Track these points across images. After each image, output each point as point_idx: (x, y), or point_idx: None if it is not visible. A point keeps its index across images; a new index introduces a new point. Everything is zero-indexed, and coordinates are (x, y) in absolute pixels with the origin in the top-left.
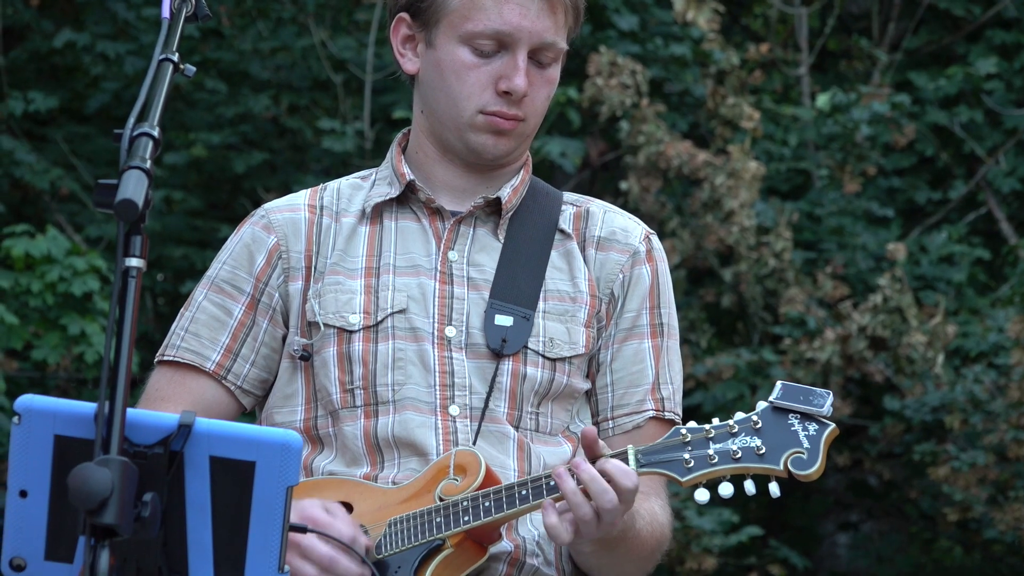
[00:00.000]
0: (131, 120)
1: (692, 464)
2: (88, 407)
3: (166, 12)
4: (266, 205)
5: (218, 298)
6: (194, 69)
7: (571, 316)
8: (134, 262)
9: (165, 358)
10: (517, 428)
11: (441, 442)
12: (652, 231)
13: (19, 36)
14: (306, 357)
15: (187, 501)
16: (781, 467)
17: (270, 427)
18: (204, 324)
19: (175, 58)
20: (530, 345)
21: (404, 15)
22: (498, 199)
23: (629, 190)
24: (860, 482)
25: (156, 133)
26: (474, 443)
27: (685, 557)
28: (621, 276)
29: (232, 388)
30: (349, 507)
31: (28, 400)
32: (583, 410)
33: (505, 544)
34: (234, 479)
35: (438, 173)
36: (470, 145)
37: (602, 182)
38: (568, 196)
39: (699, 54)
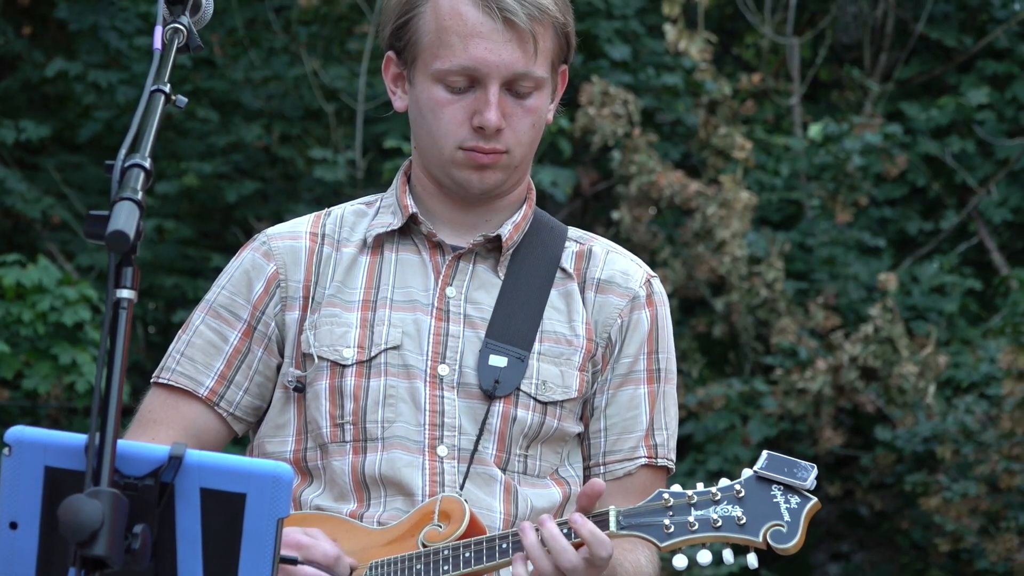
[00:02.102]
0: (122, 151)
1: (672, 530)
2: (79, 438)
3: (158, 43)
4: (268, 231)
5: (215, 323)
6: (186, 100)
7: (566, 359)
8: (125, 293)
9: (160, 380)
10: (505, 470)
11: (428, 483)
12: (654, 274)
13: (11, 65)
14: (300, 389)
15: (178, 533)
16: (760, 539)
17: (261, 459)
18: (199, 349)
19: (167, 89)
20: (523, 387)
21: (391, 54)
22: (498, 236)
23: (621, 220)
24: (851, 512)
25: (148, 164)
26: (462, 486)
27: None
28: (619, 321)
29: (224, 415)
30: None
31: (19, 431)
32: (574, 453)
33: None
34: (225, 511)
35: (437, 207)
36: (456, 180)
37: (593, 212)
38: (572, 232)
39: (691, 84)
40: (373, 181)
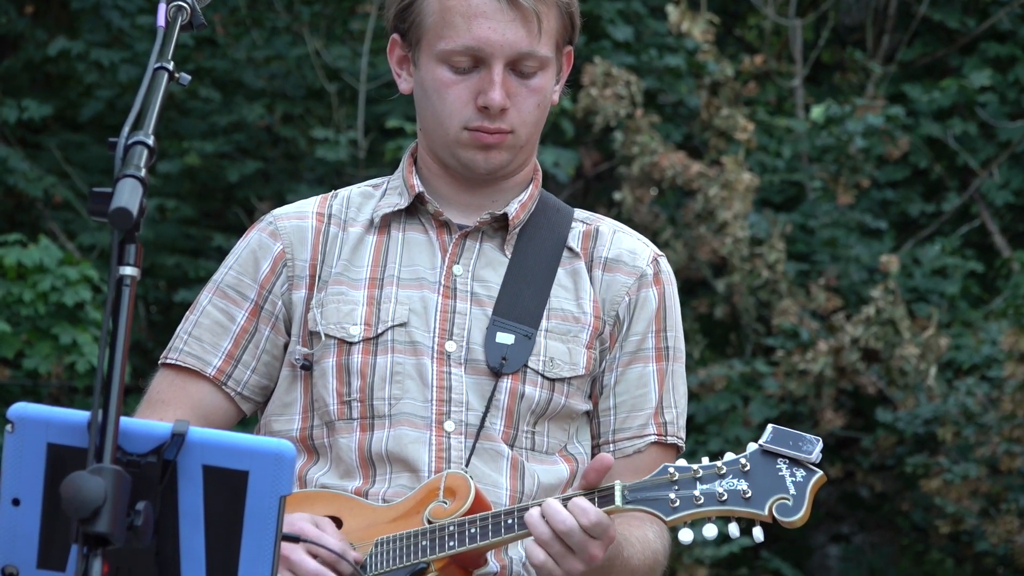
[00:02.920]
0: (126, 128)
1: (678, 504)
2: (81, 416)
3: (161, 21)
4: (275, 211)
5: (222, 303)
6: (189, 78)
7: (573, 336)
8: (128, 271)
9: (168, 361)
10: (512, 447)
11: (434, 459)
12: (661, 254)
13: (13, 44)
14: (307, 367)
15: (180, 510)
16: (766, 512)
17: (264, 436)
18: (207, 329)
19: (170, 67)
20: (530, 364)
21: (396, 36)
22: (505, 215)
23: (623, 200)
24: (852, 494)
25: (151, 142)
26: (468, 461)
27: (676, 568)
28: (627, 299)
29: (232, 394)
30: (339, 522)
31: (21, 408)
32: (582, 431)
33: (491, 567)
34: (227, 488)
35: (443, 188)
36: (462, 161)
37: (595, 192)
38: (579, 214)
39: (693, 65)
40: (375, 161)
